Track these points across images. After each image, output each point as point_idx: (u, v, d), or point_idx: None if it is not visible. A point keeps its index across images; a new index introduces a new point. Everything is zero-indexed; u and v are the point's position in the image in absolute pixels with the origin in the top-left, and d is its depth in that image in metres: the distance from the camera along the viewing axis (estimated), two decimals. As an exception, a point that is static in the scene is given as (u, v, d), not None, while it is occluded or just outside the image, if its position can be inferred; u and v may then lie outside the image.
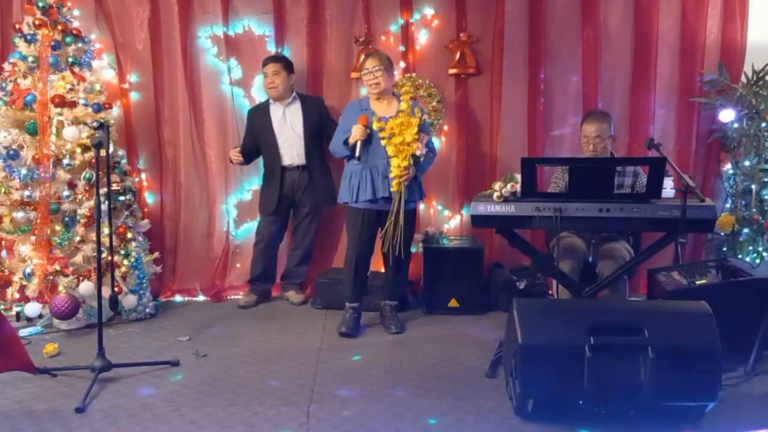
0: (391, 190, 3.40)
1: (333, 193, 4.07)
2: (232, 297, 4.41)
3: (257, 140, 4.13)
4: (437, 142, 4.41)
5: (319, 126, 4.10)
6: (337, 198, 3.72)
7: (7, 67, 3.76)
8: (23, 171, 3.62)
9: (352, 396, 2.78)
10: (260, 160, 4.25)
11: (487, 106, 4.40)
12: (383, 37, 4.34)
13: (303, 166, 4.09)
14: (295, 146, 4.08)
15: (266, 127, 4.08)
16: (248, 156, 4.11)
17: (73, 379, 2.94)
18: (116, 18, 4.25)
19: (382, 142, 3.39)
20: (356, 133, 3.41)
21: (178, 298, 4.37)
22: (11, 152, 3.62)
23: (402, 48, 4.33)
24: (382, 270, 3.84)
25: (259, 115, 4.13)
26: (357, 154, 3.42)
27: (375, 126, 3.41)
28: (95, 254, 3.21)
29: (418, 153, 3.36)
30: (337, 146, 3.58)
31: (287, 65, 4.07)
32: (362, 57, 3.57)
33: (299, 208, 4.21)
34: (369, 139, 3.47)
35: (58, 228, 3.69)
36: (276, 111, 4.10)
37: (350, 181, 3.54)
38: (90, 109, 3.78)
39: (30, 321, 3.66)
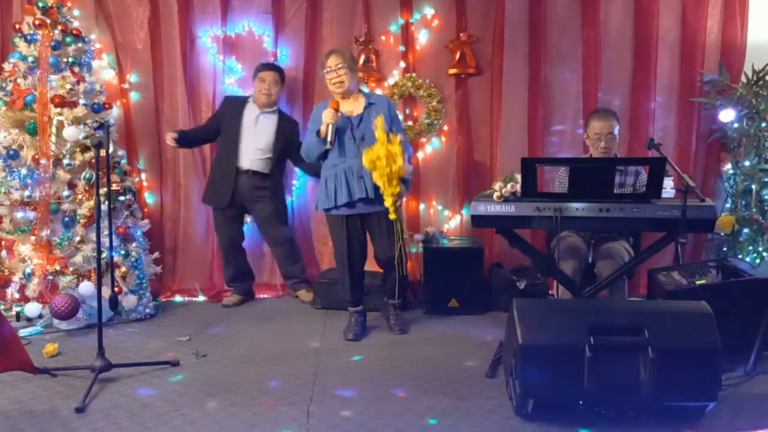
0: (389, 217, 3.30)
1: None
2: (232, 297, 4.42)
3: (220, 127, 4.07)
4: (437, 142, 4.42)
5: (286, 146, 4.04)
6: (317, 206, 3.60)
7: (7, 67, 3.76)
8: (23, 171, 3.62)
9: (352, 396, 2.78)
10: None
11: (487, 106, 4.40)
12: (383, 37, 4.34)
13: (254, 173, 4.01)
14: (253, 153, 4.00)
15: (235, 121, 4.02)
16: (191, 140, 4.07)
17: (73, 379, 2.94)
18: (116, 18, 4.25)
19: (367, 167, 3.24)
20: (327, 117, 3.30)
21: (178, 298, 4.37)
22: (11, 152, 3.62)
23: (402, 48, 4.33)
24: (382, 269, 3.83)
25: (234, 107, 4.08)
26: (329, 138, 3.29)
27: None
28: (95, 254, 3.21)
29: (406, 176, 3.29)
30: (308, 144, 3.44)
31: (283, 77, 4.08)
32: (324, 55, 3.50)
33: (254, 217, 4.20)
34: (341, 140, 3.38)
35: (58, 228, 3.69)
36: (251, 112, 4.04)
37: (327, 187, 3.44)
38: (90, 109, 3.78)
39: (30, 321, 3.66)
